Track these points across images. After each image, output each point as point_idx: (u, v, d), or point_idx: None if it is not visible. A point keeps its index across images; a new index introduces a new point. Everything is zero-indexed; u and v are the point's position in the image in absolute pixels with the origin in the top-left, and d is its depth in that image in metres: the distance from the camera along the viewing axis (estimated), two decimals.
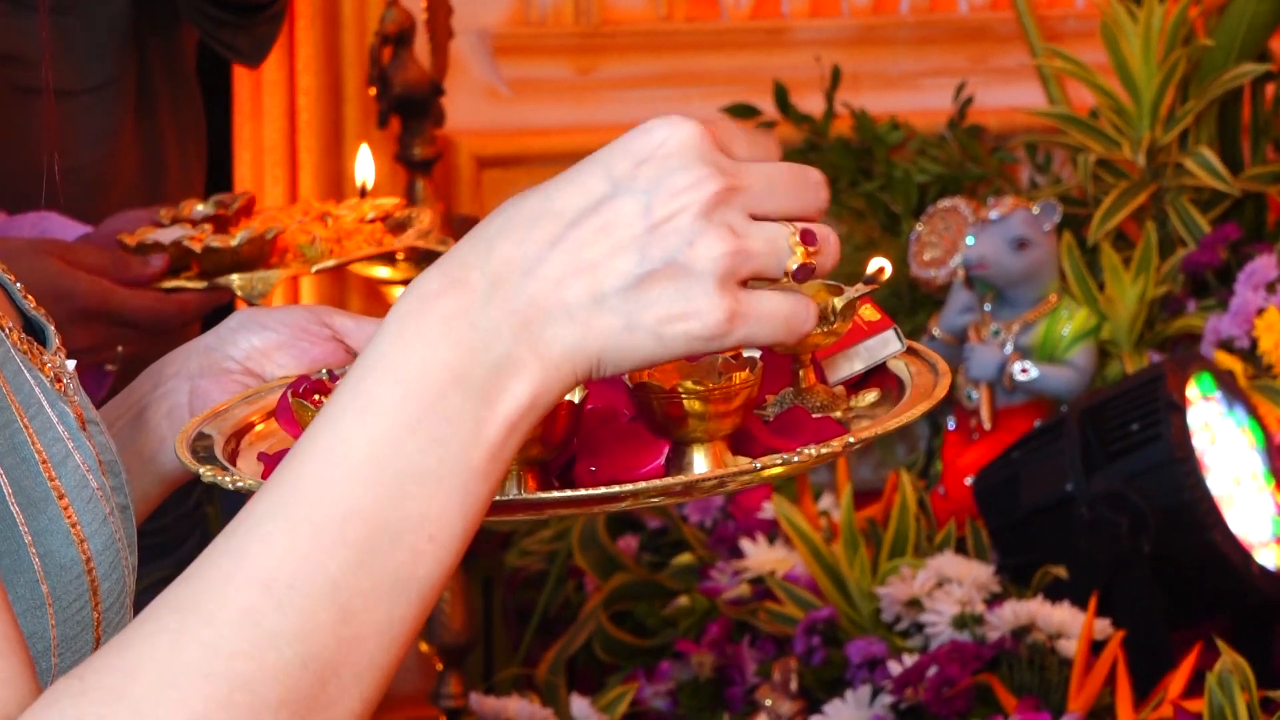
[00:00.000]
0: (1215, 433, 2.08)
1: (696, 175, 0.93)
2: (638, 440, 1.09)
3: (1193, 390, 2.08)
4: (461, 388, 0.93)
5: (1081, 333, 2.32)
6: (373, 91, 2.67)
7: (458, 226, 2.67)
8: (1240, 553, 1.98)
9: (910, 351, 1.20)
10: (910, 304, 2.80)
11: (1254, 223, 2.59)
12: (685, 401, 1.04)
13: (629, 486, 1.05)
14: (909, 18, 3.19)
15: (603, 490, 1.05)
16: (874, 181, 2.93)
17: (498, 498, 0.99)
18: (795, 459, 1.05)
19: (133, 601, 1.13)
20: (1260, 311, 2.22)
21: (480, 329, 0.93)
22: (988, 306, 2.35)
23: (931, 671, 1.88)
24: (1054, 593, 1.99)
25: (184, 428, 1.19)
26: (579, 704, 2.13)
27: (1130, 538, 1.96)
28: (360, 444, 0.92)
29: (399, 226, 2.25)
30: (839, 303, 1.12)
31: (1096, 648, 1.87)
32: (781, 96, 2.95)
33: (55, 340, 1.15)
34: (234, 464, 1.16)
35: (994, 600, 1.97)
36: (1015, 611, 1.93)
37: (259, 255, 2.09)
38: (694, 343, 0.94)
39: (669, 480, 1.06)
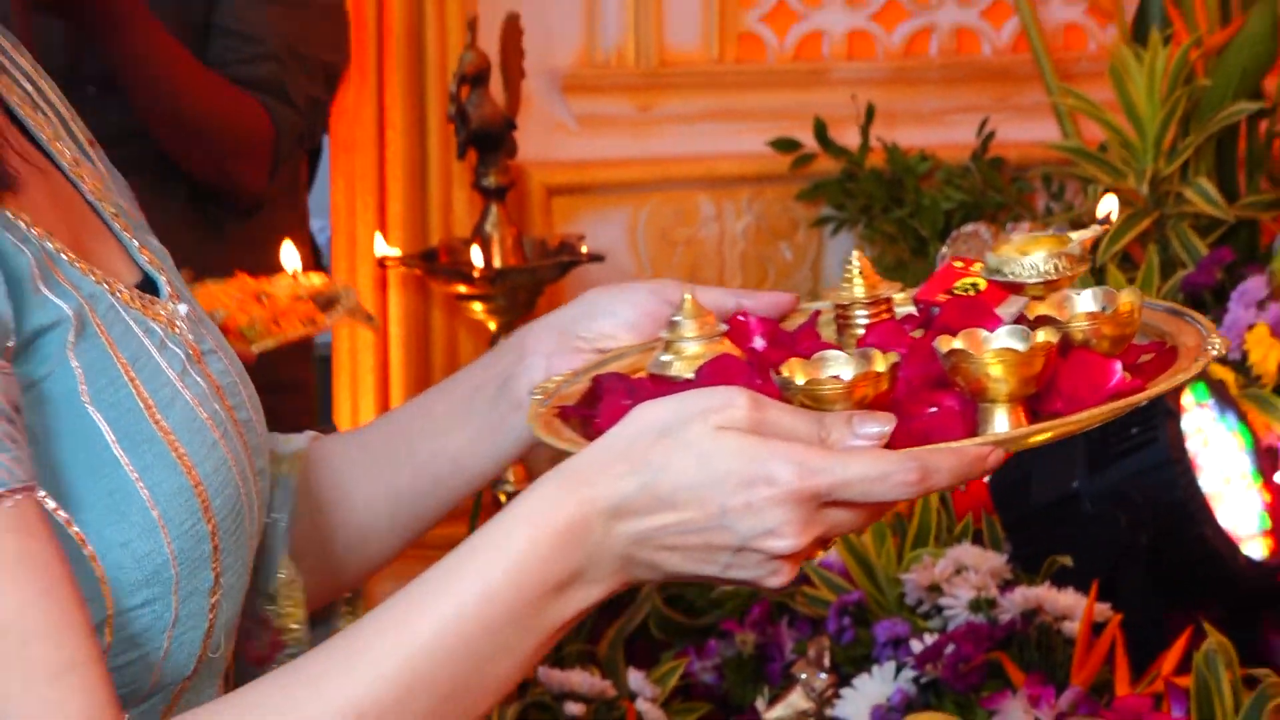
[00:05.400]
0: (1208, 436, 2.07)
1: (782, 524, 1.01)
2: (1090, 365, 1.08)
3: (1188, 398, 2.08)
4: (560, 594, 1.03)
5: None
6: (452, 126, 2.68)
7: (529, 249, 2.69)
8: (1229, 545, 1.99)
9: (1174, 313, 1.17)
10: None
11: (1248, 247, 2.58)
12: (991, 367, 1.04)
13: (1097, 409, 1.04)
14: (937, 60, 3.15)
15: (1086, 413, 1.04)
16: (904, 208, 2.97)
17: (999, 433, 1.03)
18: (1082, 417, 1.05)
19: (263, 504, 1.20)
20: (1251, 327, 2.23)
21: (589, 556, 1.02)
22: None
23: (949, 650, 1.88)
24: (1060, 580, 1.98)
25: (531, 405, 1.19)
26: (635, 677, 2.14)
27: (1129, 531, 1.97)
28: (470, 617, 1.02)
29: (329, 304, 2.28)
30: (1076, 241, 1.13)
31: (1097, 629, 1.87)
32: (821, 131, 3.01)
33: (167, 289, 1.18)
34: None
35: (1006, 586, 1.96)
36: (1025, 596, 1.93)
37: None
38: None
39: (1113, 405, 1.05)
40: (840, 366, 1.06)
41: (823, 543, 1.04)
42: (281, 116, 2.49)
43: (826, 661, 1.96)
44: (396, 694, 1.01)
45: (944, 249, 2.38)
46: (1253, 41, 2.61)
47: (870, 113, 2.98)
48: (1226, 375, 2.17)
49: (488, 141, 2.63)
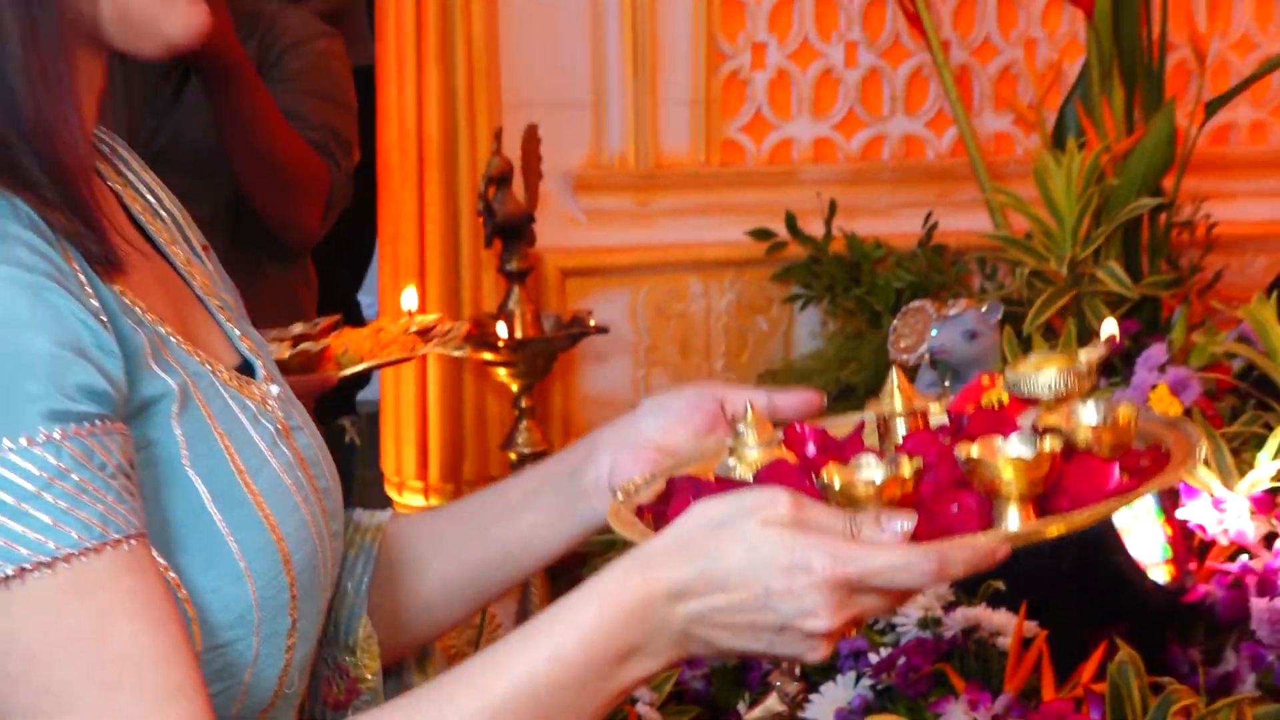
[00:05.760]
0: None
1: (818, 607, 1.01)
2: (1091, 468, 1.06)
3: None
4: (623, 663, 1.03)
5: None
6: (481, 219, 2.69)
7: (546, 322, 2.69)
8: (1138, 572, 1.97)
9: (1170, 424, 1.14)
10: None
11: (1150, 319, 2.60)
12: (1003, 470, 1.03)
13: (1095, 507, 1.03)
14: (889, 163, 3.14)
15: (1088, 511, 1.03)
16: (862, 287, 2.96)
17: (1007, 531, 1.02)
18: (1084, 515, 1.03)
19: (337, 561, 1.20)
20: (1154, 387, 2.20)
21: (650, 632, 1.03)
22: (947, 382, 2.21)
23: (901, 661, 1.86)
24: (994, 601, 1.96)
25: (622, 489, 1.18)
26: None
27: (1053, 560, 1.93)
28: (541, 677, 1.02)
29: (430, 336, 2.37)
30: (1084, 360, 1.12)
31: (1026, 644, 1.84)
32: (791, 223, 3.00)
33: (262, 372, 1.19)
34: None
35: (949, 607, 1.94)
36: (965, 615, 1.92)
37: (308, 365, 2.23)
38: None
39: (1113, 502, 1.03)
40: (871, 471, 1.05)
41: (855, 622, 1.02)
42: (334, 174, 2.61)
43: (797, 671, 1.91)
44: None
45: (895, 321, 2.30)
46: (1153, 148, 2.61)
47: (832, 207, 3.00)
48: None
49: (511, 232, 2.63)
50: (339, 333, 2.34)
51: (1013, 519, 1.03)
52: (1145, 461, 1.10)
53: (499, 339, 2.66)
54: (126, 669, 0.98)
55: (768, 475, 1.11)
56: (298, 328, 2.35)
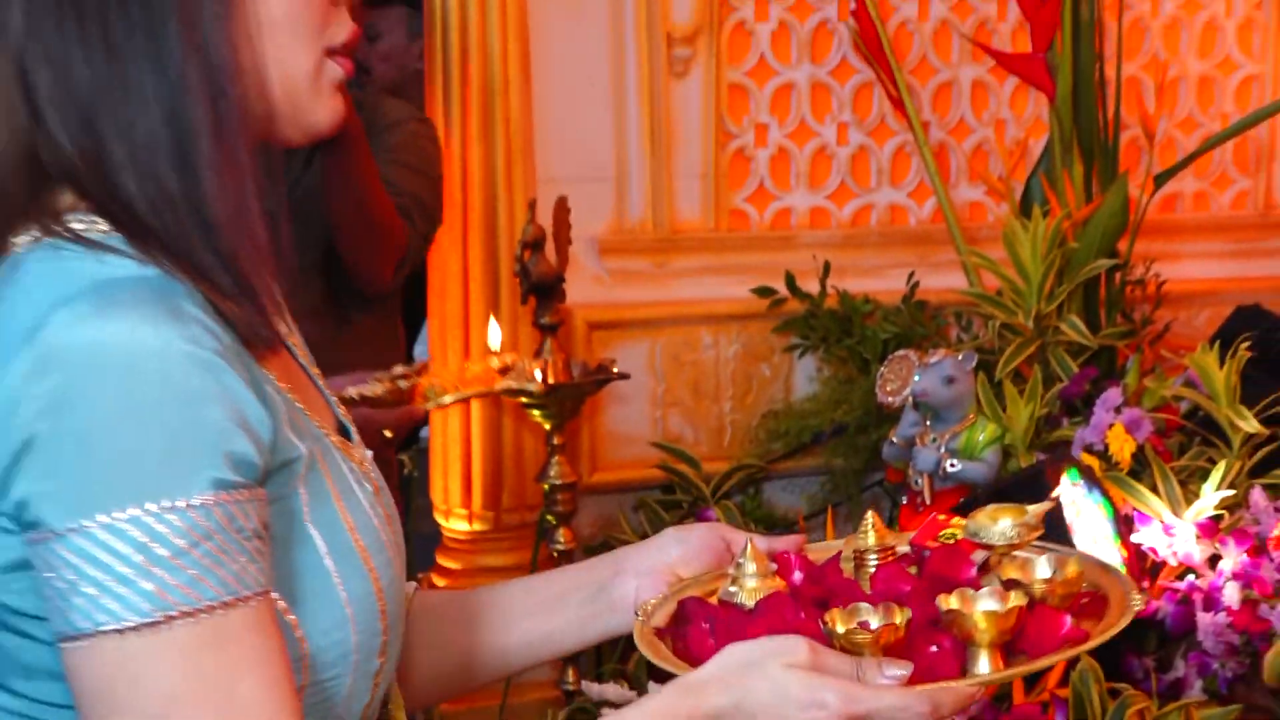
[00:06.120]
0: (1080, 508, 2.06)
1: None
2: (1046, 618, 1.11)
3: (1065, 479, 2.07)
4: None
5: (991, 440, 2.27)
6: (518, 279, 2.66)
7: (574, 369, 2.67)
8: None
9: (1104, 567, 1.20)
10: (878, 420, 2.84)
11: (1108, 366, 2.61)
12: (978, 621, 1.08)
13: (1050, 657, 1.10)
14: (876, 229, 3.15)
15: (1047, 659, 1.10)
16: (853, 338, 2.96)
17: (980, 675, 1.08)
18: (1044, 661, 1.10)
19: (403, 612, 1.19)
20: (1111, 426, 2.22)
21: None
22: (929, 422, 2.32)
23: None
24: None
25: (643, 607, 1.21)
26: (654, 687, 2.00)
27: None
28: None
29: (505, 372, 2.39)
30: (1032, 513, 1.18)
31: None
32: (791, 282, 3.00)
33: (356, 436, 1.19)
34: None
35: None
36: None
37: (400, 399, 2.24)
38: None
39: (1068, 651, 1.09)
40: (870, 617, 1.10)
41: None
42: (411, 235, 2.64)
43: None
44: None
45: (882, 368, 2.35)
46: (1109, 215, 2.61)
47: (827, 268, 3.00)
48: (1093, 462, 2.16)
49: (544, 290, 2.63)
50: (427, 371, 2.37)
51: (983, 664, 1.09)
52: (1085, 600, 1.15)
53: (535, 384, 2.64)
54: (250, 718, 0.97)
55: (767, 606, 1.16)
56: (398, 369, 2.37)
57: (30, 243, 1.03)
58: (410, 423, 2.30)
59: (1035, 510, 1.19)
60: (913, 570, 1.21)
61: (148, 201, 1.01)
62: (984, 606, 1.08)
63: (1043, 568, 1.16)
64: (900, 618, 1.09)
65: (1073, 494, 2.10)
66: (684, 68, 3.00)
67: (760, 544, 1.26)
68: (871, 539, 1.24)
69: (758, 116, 3.09)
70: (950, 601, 1.10)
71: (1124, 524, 2.10)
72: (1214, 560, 2.09)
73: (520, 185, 2.90)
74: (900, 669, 1.06)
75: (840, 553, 1.27)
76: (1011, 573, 1.16)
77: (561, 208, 2.67)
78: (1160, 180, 2.82)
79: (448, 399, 2.33)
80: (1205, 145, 2.89)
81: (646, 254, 3.05)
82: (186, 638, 0.96)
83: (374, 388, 2.27)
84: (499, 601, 1.33)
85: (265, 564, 1.01)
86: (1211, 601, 2.04)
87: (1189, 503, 2.13)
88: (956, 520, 1.27)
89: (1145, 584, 2.07)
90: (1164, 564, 2.10)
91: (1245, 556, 2.05)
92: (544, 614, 1.31)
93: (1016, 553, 1.19)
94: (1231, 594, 2.03)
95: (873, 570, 1.22)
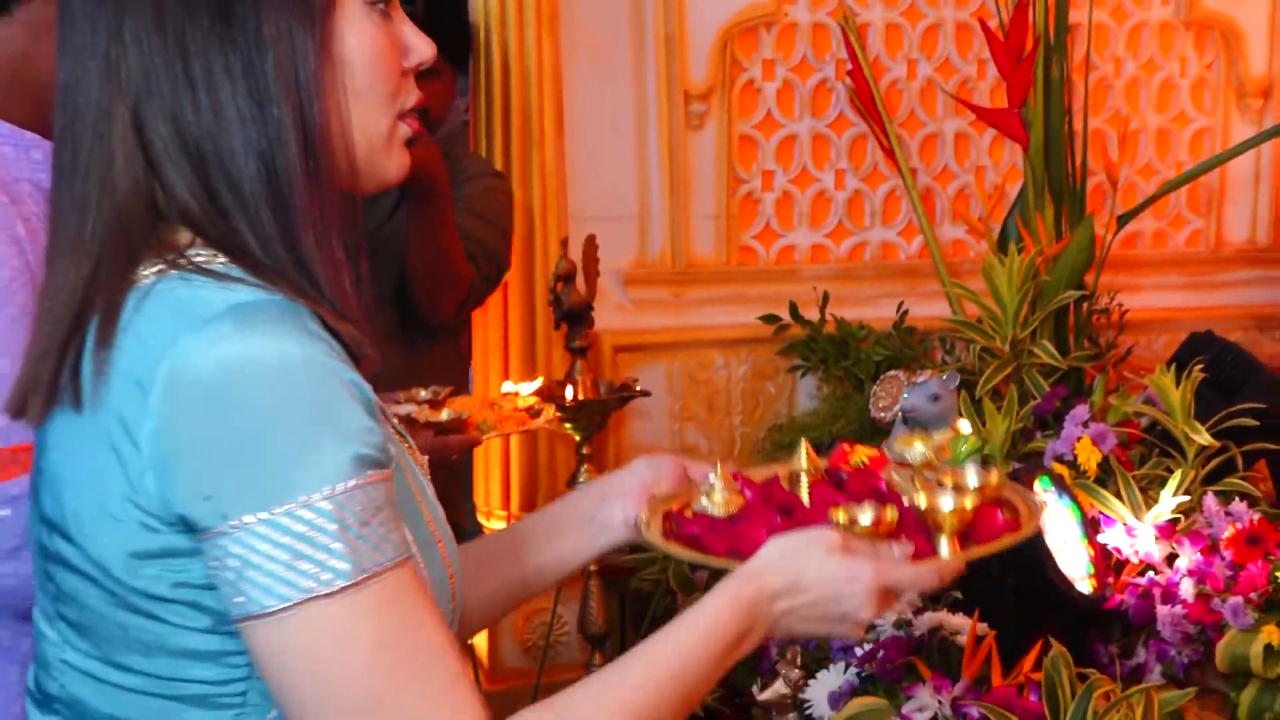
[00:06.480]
0: (1051, 512, 2.04)
1: (866, 604, 1.17)
2: (984, 513, 1.24)
3: (1038, 485, 2.06)
4: (739, 644, 1.15)
5: (972, 451, 2.14)
6: (552, 308, 2.65)
7: (602, 388, 2.66)
8: (1067, 583, 1.96)
9: (1016, 489, 1.31)
10: (872, 433, 2.72)
11: (1076, 386, 2.59)
12: (945, 515, 1.21)
13: (995, 544, 1.22)
14: (870, 263, 3.13)
15: (991, 545, 1.22)
16: (849, 360, 2.96)
17: (962, 553, 1.20)
18: (998, 545, 1.22)
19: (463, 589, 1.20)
20: (1079, 439, 2.21)
21: (757, 622, 1.15)
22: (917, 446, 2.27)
23: (880, 654, 1.87)
24: (954, 607, 1.99)
25: (640, 519, 1.30)
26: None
27: (1000, 574, 1.94)
28: (687, 650, 1.12)
29: (536, 414, 2.40)
30: (937, 438, 1.35)
31: (979, 641, 1.84)
32: (794, 310, 3.00)
33: (411, 442, 1.22)
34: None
35: (918, 611, 1.95)
36: (931, 618, 1.93)
37: (458, 426, 2.25)
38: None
39: (1009, 539, 1.22)
40: (862, 514, 1.21)
41: (884, 611, 1.19)
42: (475, 278, 2.66)
43: (799, 661, 1.97)
44: (649, 686, 1.10)
45: (875, 387, 2.32)
46: (1077, 251, 2.59)
47: (826, 298, 3.00)
48: (1063, 470, 2.15)
49: (575, 318, 2.57)
50: (480, 404, 2.37)
51: (945, 548, 1.21)
52: (1006, 513, 1.27)
53: (566, 400, 2.65)
54: (435, 656, 1.00)
55: (753, 510, 1.28)
56: (422, 393, 2.36)
57: (157, 275, 1.04)
58: (470, 447, 2.32)
59: (939, 436, 1.33)
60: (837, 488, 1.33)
61: (259, 241, 1.04)
62: (947, 506, 1.20)
63: (972, 477, 1.27)
64: (891, 514, 1.20)
65: (1045, 499, 2.09)
66: (699, 121, 3.01)
67: (697, 469, 1.36)
68: (805, 462, 1.35)
69: (765, 164, 3.10)
70: (919, 500, 1.21)
71: (1091, 526, 2.11)
72: (1171, 559, 2.09)
73: (554, 224, 2.90)
74: (908, 547, 1.18)
75: (778, 475, 1.37)
76: (947, 480, 1.27)
77: (590, 244, 2.66)
78: (1123, 220, 2.81)
79: (494, 434, 2.35)
80: (1163, 190, 2.88)
81: (666, 285, 3.05)
82: (378, 594, 0.99)
83: (404, 408, 2.27)
84: (530, 531, 1.37)
85: (404, 532, 1.04)
86: (1169, 595, 2.04)
87: (1149, 507, 2.12)
88: (860, 449, 1.39)
89: (1110, 580, 2.05)
90: (1127, 562, 2.10)
91: (1199, 555, 2.05)
92: (560, 537, 1.36)
93: (930, 472, 1.30)
94: (1187, 589, 2.02)
95: (807, 489, 1.33)
